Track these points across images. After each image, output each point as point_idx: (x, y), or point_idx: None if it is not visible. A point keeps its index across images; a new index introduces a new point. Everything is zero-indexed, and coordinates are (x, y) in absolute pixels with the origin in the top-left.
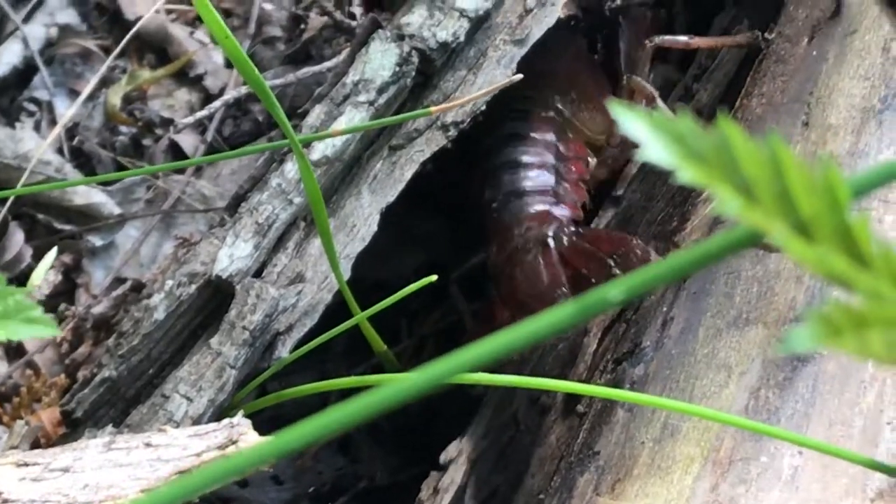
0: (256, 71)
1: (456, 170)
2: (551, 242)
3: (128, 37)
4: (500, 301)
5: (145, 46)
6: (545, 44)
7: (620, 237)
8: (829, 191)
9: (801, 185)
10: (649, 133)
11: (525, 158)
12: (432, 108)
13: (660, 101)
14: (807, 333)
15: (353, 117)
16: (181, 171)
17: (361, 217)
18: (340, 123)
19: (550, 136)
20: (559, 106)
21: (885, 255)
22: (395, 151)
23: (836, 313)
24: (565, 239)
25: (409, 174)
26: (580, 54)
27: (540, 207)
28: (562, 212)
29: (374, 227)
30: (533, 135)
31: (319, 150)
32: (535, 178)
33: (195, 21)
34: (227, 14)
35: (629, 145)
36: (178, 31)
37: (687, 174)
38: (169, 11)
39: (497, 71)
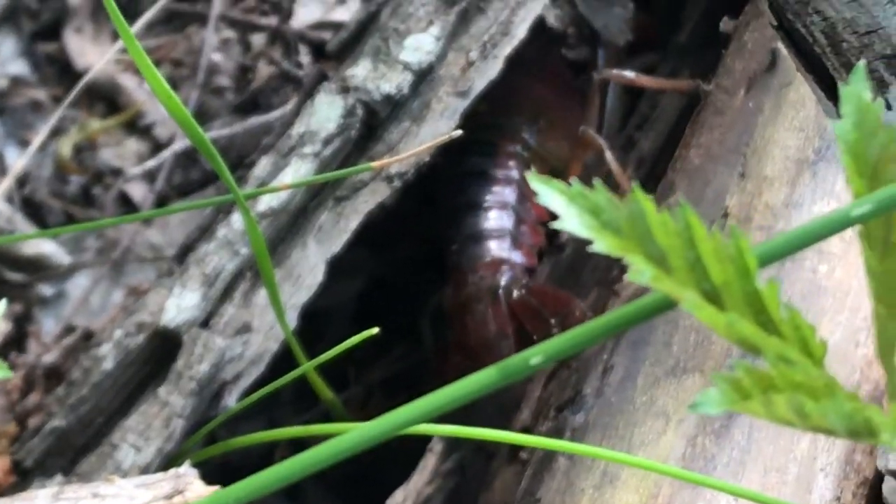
0: (198, 126)
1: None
2: (501, 294)
3: (78, 87)
4: (453, 344)
5: (95, 96)
6: (519, 62)
7: (565, 298)
8: (739, 259)
9: (711, 254)
10: (566, 205)
11: (485, 199)
12: (373, 164)
13: (608, 154)
14: (715, 396)
15: (299, 169)
16: None
17: (307, 267)
18: (286, 175)
19: (513, 173)
20: (525, 136)
21: (793, 321)
22: (341, 202)
23: (744, 377)
24: (514, 292)
25: (354, 224)
26: (554, 74)
27: (495, 254)
28: (517, 259)
29: (320, 277)
30: (495, 172)
31: (265, 201)
32: (494, 220)
33: None
34: (175, 64)
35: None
36: (128, 81)
37: (602, 244)
38: (118, 62)
39: (441, 123)
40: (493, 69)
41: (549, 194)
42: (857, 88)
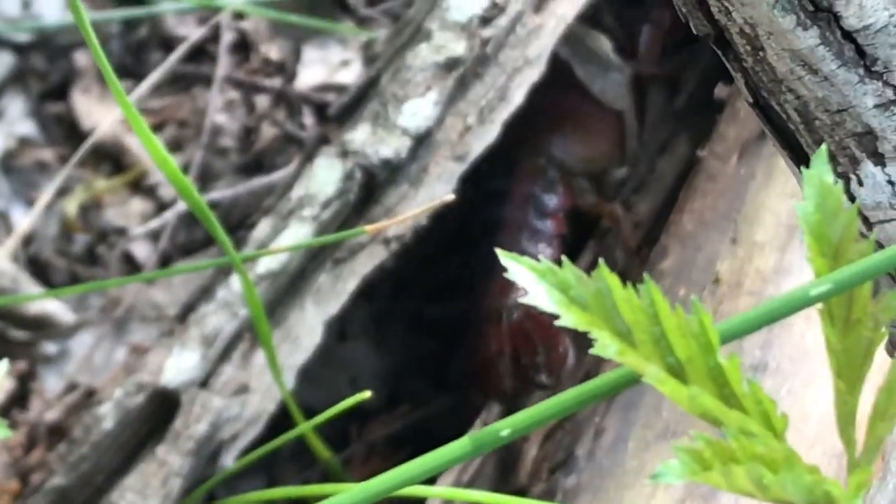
0: (194, 191)
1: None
2: (504, 317)
3: (84, 147)
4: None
5: (101, 156)
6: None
7: (555, 332)
8: (702, 335)
9: (675, 330)
10: (535, 281)
11: (505, 217)
12: (367, 228)
13: (624, 225)
14: (676, 467)
15: (298, 231)
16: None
17: (305, 328)
18: (286, 237)
19: (535, 190)
20: (553, 150)
21: (754, 395)
22: (339, 264)
23: (704, 448)
24: (515, 315)
25: (351, 287)
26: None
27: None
28: None
29: (318, 339)
30: (516, 189)
31: (264, 263)
32: (511, 242)
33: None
34: (180, 124)
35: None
36: (133, 142)
37: (569, 319)
38: (124, 122)
39: (438, 186)
40: (490, 134)
41: (519, 271)
42: (818, 171)
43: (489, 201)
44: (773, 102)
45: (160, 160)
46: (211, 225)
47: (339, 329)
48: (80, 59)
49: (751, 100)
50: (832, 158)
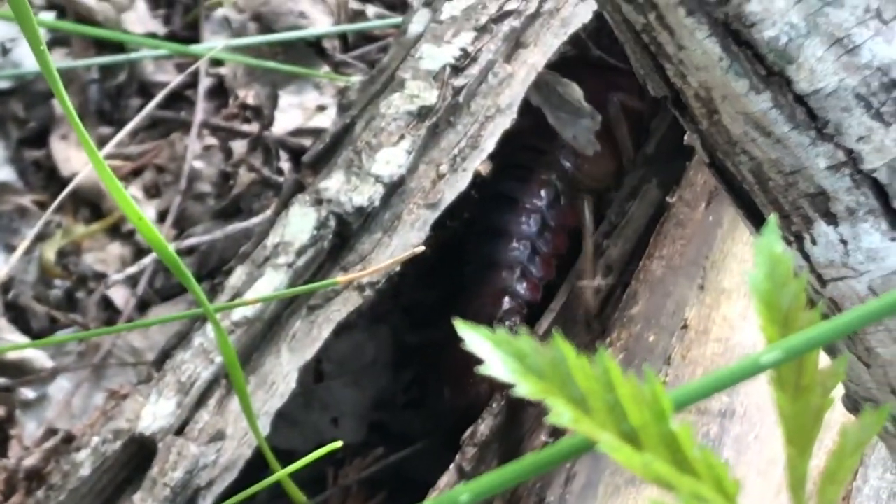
0: (166, 245)
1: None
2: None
3: (63, 193)
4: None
5: (80, 202)
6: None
7: None
8: (655, 402)
9: (629, 397)
10: (490, 351)
11: (507, 227)
12: (339, 279)
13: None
14: None
15: (273, 279)
16: (112, 323)
17: (280, 375)
18: (261, 284)
19: (542, 203)
20: (563, 162)
21: (706, 460)
22: (314, 311)
23: None
24: (506, 324)
25: (326, 333)
26: (592, 93)
27: (501, 284)
28: (521, 292)
29: (293, 385)
30: (524, 200)
31: (239, 311)
32: (509, 250)
33: (128, 177)
34: (159, 170)
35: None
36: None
37: (524, 388)
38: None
39: (412, 234)
40: (462, 181)
41: (476, 341)
42: (769, 241)
43: (494, 205)
44: (729, 164)
45: (129, 210)
46: (183, 276)
47: (315, 368)
48: (59, 105)
49: (707, 160)
50: (786, 218)
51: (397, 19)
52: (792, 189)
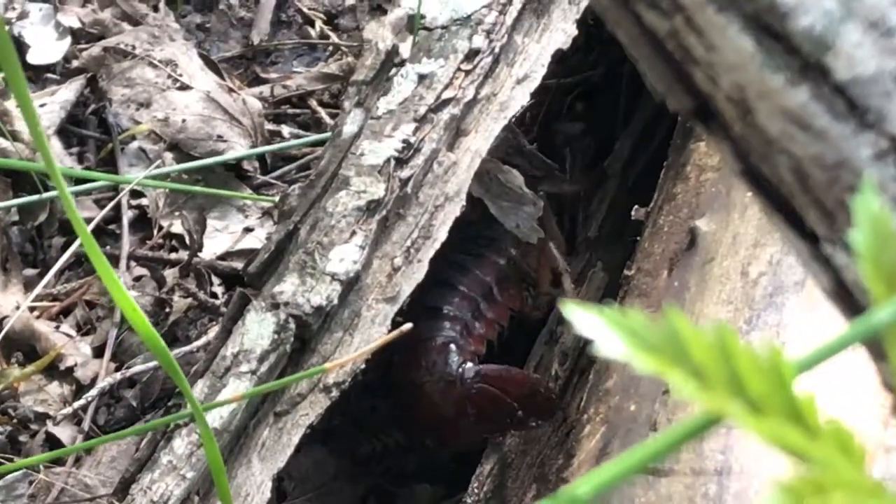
0: (163, 343)
1: None
2: (458, 384)
3: None
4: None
5: (13, 345)
6: None
7: (521, 378)
8: (775, 371)
9: (748, 368)
10: (604, 329)
11: (456, 286)
12: (327, 366)
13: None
14: (774, 502)
15: (238, 387)
16: (61, 462)
17: (254, 485)
18: (226, 395)
19: (489, 279)
20: (512, 250)
21: (833, 427)
22: (281, 417)
23: (798, 482)
24: (469, 381)
25: (296, 439)
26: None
27: (446, 335)
28: (463, 343)
29: (268, 494)
30: (475, 272)
31: (207, 421)
32: (456, 304)
33: (59, 316)
34: (90, 305)
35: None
36: (44, 327)
37: (642, 364)
38: (32, 309)
39: (373, 330)
40: (418, 272)
41: (586, 320)
42: (867, 199)
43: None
44: (764, 168)
45: (135, 317)
46: (177, 375)
47: (277, 487)
48: None
49: (739, 168)
50: (829, 216)
51: (315, 136)
52: (835, 185)
